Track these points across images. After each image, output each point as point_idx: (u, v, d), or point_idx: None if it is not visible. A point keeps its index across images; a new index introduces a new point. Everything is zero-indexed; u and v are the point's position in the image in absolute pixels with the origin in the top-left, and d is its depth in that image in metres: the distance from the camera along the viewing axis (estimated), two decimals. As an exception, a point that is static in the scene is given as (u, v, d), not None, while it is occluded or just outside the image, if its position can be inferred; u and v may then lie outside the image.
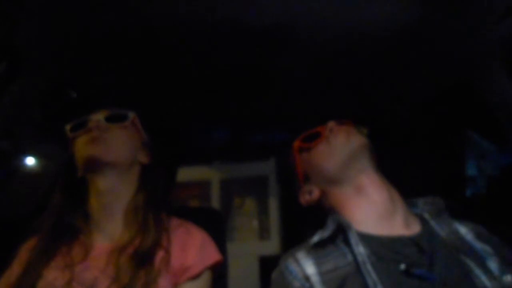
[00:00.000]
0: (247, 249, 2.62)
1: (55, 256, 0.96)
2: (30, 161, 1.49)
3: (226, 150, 2.32)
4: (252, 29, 1.07)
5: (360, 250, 0.85)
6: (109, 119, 1.04)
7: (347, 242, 0.88)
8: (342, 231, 0.90)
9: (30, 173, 1.49)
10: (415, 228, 0.92)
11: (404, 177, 1.02)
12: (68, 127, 1.05)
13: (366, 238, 0.88)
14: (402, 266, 0.81)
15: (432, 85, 1.41)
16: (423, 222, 0.95)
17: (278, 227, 2.67)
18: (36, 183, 1.47)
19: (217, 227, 1.29)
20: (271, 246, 2.64)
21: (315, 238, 0.92)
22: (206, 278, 1.00)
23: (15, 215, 1.38)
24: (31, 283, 0.92)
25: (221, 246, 1.14)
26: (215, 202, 2.76)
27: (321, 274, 0.85)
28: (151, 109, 1.15)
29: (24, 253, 1.00)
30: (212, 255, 1.02)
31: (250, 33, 1.09)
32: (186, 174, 2.35)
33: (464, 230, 0.94)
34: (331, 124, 1.04)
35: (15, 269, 0.97)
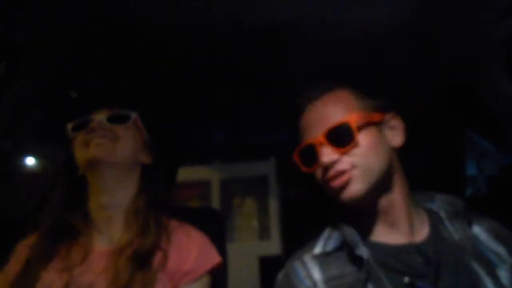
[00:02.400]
0: (247, 249, 2.61)
1: (53, 258, 0.96)
2: (30, 161, 1.49)
3: (226, 150, 2.32)
4: (253, 29, 1.07)
5: (368, 262, 0.83)
6: (111, 120, 1.03)
7: (353, 254, 0.86)
8: (347, 246, 0.88)
9: (30, 173, 1.49)
10: (422, 234, 0.89)
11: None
12: (69, 126, 1.04)
13: (373, 246, 0.87)
14: (406, 279, 0.80)
15: (432, 85, 1.41)
16: (434, 223, 0.91)
17: (278, 227, 2.67)
18: (36, 183, 1.46)
19: (217, 227, 1.29)
20: (271, 246, 2.63)
21: (317, 250, 0.90)
22: (205, 281, 1.00)
23: (15, 215, 1.38)
24: (29, 284, 0.92)
25: (221, 246, 1.14)
26: (215, 202, 2.75)
27: (326, 281, 0.84)
28: (151, 109, 1.15)
29: (21, 250, 1.00)
30: (211, 258, 1.01)
31: (251, 33, 1.09)
32: (186, 174, 2.35)
33: (479, 230, 0.90)
34: (321, 140, 0.87)
35: (12, 267, 0.97)
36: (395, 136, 0.92)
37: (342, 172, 0.85)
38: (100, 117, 1.02)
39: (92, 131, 0.99)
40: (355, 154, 0.85)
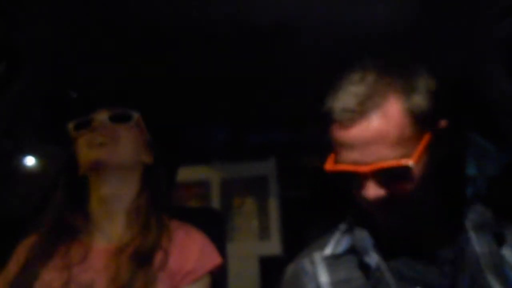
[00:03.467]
0: (247, 249, 2.62)
1: (53, 257, 0.96)
2: (30, 161, 1.49)
3: (226, 150, 2.32)
4: (253, 29, 1.07)
5: (378, 268, 0.79)
6: (113, 119, 1.03)
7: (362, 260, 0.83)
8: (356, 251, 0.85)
9: (30, 173, 1.49)
10: (442, 244, 0.83)
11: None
12: (71, 125, 1.04)
13: (387, 251, 0.82)
14: None
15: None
16: (457, 233, 0.84)
17: (278, 227, 2.67)
18: (36, 183, 1.46)
19: (217, 227, 1.29)
20: (271, 246, 2.64)
21: (328, 251, 0.87)
22: (205, 282, 1.00)
23: (15, 215, 1.38)
24: (28, 283, 0.92)
25: (221, 246, 1.14)
26: (215, 202, 2.76)
27: (333, 284, 0.82)
28: (151, 109, 1.15)
29: (21, 250, 1.00)
30: (212, 259, 1.01)
31: (251, 33, 1.09)
32: (186, 174, 2.35)
33: (506, 245, 0.82)
34: (367, 175, 0.75)
35: (12, 267, 0.97)
36: (441, 149, 0.80)
37: (387, 207, 0.76)
38: (102, 116, 1.02)
39: (95, 130, 0.99)
40: (405, 190, 0.75)
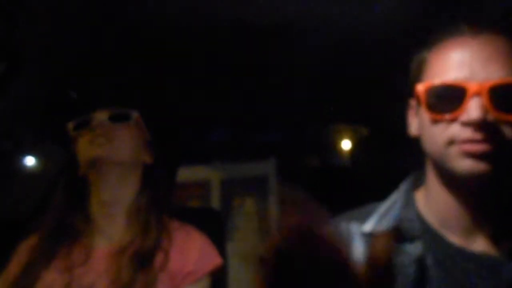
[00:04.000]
0: (247, 249, 2.62)
1: (54, 258, 0.96)
2: (30, 161, 1.49)
3: (226, 150, 2.32)
4: (253, 29, 1.07)
5: (420, 260, 0.70)
6: (112, 118, 1.03)
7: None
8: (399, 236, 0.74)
9: (30, 173, 1.49)
10: (501, 248, 0.70)
11: (404, 177, 1.02)
12: (70, 125, 1.04)
13: (433, 239, 0.72)
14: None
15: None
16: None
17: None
18: (36, 183, 1.46)
19: (217, 227, 1.30)
20: (271, 246, 2.64)
21: (368, 227, 0.76)
22: (206, 282, 1.00)
23: (15, 216, 1.38)
24: (29, 284, 0.92)
25: (221, 246, 1.14)
26: (215, 202, 2.76)
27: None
28: (151, 109, 1.15)
29: (22, 251, 1.00)
30: (213, 259, 1.01)
31: (251, 33, 1.09)
32: (186, 174, 2.35)
33: None
34: (480, 90, 0.66)
35: (12, 268, 0.97)
36: None
37: (491, 137, 0.64)
38: (101, 116, 1.02)
39: (94, 129, 0.99)
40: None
